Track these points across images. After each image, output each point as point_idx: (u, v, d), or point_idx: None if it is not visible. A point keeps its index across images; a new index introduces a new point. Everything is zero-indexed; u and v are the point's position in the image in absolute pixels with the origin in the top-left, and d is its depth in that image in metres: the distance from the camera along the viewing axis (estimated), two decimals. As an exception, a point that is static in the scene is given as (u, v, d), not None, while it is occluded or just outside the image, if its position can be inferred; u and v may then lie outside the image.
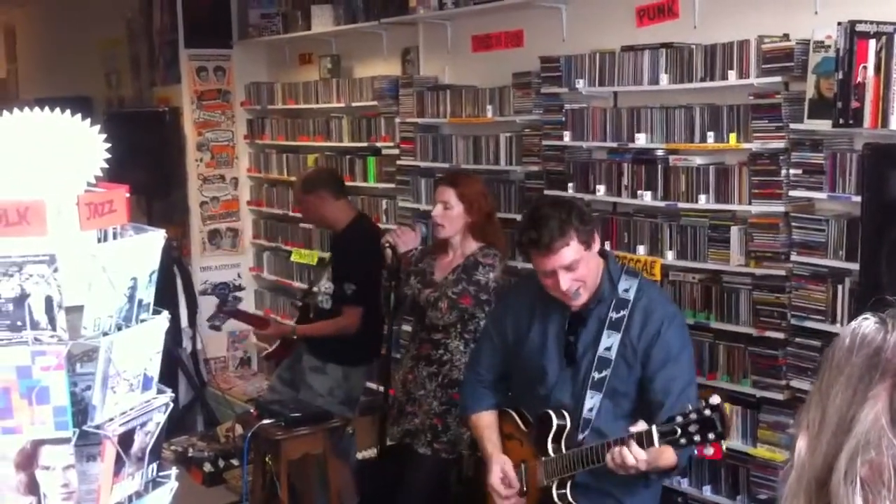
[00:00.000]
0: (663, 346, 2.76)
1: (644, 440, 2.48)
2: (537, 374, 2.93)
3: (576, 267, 2.75)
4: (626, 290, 2.83)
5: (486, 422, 3.05)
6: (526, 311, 3.00)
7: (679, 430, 2.42)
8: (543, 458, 2.83)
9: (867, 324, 1.07)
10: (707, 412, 2.40)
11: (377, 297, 4.70)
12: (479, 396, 3.10)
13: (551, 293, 2.84)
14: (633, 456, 2.49)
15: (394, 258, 3.80)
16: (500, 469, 2.95)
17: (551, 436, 2.82)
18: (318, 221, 5.20)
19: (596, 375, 2.79)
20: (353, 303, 4.55)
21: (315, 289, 4.89)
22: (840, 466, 1.02)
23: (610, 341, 2.79)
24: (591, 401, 2.79)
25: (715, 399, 2.44)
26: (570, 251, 2.73)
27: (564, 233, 2.72)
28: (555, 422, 2.82)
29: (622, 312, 2.80)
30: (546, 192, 4.66)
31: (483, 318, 3.75)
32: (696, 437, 2.40)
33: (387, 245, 3.80)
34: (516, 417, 3.00)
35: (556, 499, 2.80)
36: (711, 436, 2.40)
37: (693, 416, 2.42)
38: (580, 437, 2.80)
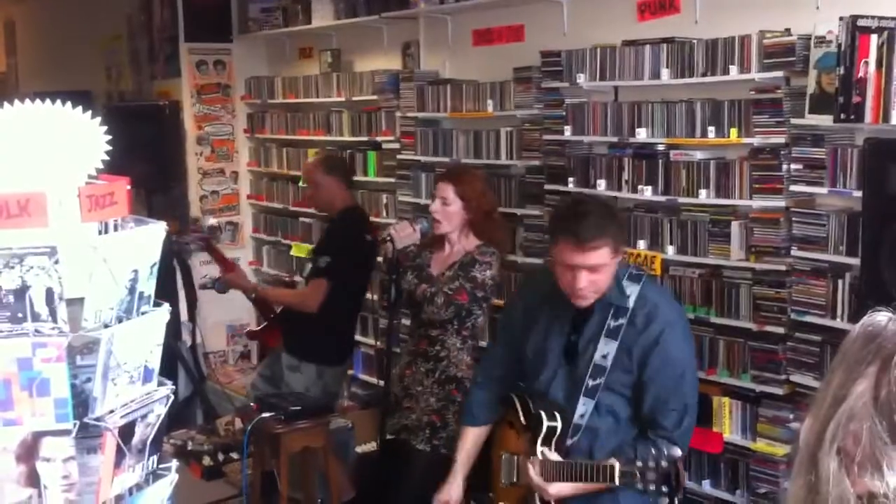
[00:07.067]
0: (660, 355, 2.73)
1: (607, 474, 2.55)
2: (537, 367, 2.93)
3: (598, 271, 2.71)
4: (627, 298, 2.79)
5: (470, 437, 3.11)
6: (538, 302, 2.98)
7: (638, 475, 2.49)
8: (540, 459, 2.81)
9: (877, 315, 1.14)
10: (664, 464, 2.47)
11: (351, 287, 4.66)
12: (476, 411, 3.13)
13: (560, 285, 2.81)
14: (550, 492, 2.67)
15: (394, 251, 3.79)
16: (454, 490, 3.08)
17: (541, 437, 2.81)
18: (326, 204, 5.02)
19: (590, 383, 2.77)
20: (322, 275, 4.55)
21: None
22: (827, 436, 1.09)
23: (607, 349, 2.76)
24: (583, 407, 2.78)
25: (676, 452, 2.52)
26: (601, 255, 2.69)
27: (603, 235, 2.68)
28: (545, 423, 2.81)
29: (620, 321, 2.76)
30: (546, 186, 4.66)
31: (480, 314, 3.76)
32: (652, 487, 2.48)
33: (387, 238, 3.78)
34: (519, 407, 2.98)
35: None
36: (665, 489, 2.47)
37: (651, 464, 2.48)
38: (569, 441, 2.80)
